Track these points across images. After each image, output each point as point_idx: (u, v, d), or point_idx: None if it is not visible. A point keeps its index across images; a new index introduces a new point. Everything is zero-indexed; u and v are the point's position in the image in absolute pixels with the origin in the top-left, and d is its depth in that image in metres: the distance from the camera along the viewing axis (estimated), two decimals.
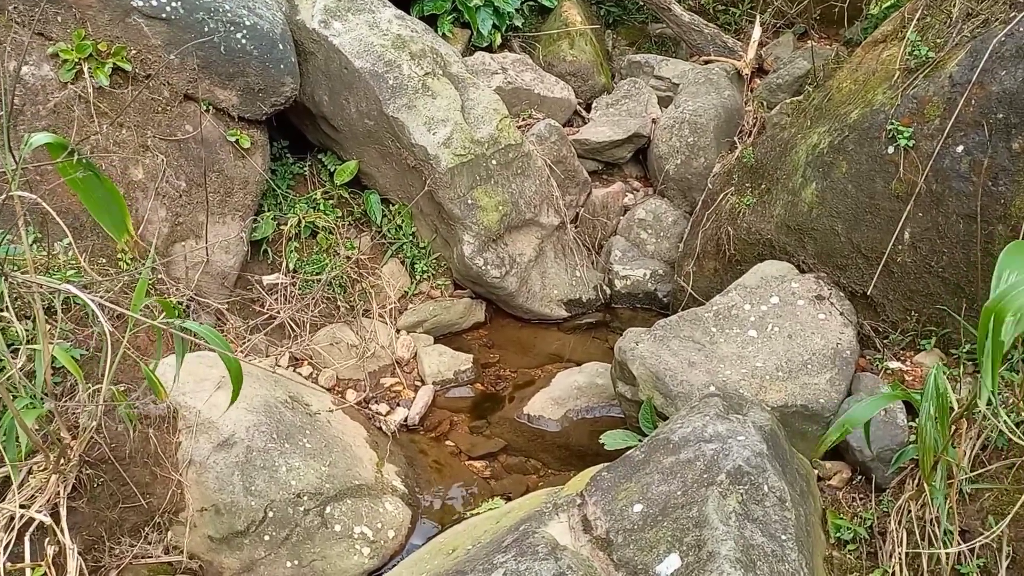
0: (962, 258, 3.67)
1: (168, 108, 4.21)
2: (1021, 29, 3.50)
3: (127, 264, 4.02)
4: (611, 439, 3.81)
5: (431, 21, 5.96)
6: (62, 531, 2.93)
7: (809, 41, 6.41)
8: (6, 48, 3.81)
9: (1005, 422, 2.71)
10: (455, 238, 4.95)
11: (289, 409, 3.82)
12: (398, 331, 4.90)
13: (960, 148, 3.64)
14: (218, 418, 3.52)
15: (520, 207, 5.04)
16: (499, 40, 6.28)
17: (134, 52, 4.09)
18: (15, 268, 2.97)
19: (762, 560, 2.43)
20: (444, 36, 5.90)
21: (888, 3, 5.01)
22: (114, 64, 4.03)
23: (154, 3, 4.06)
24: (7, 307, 2.61)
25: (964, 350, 3.64)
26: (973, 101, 3.59)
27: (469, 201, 4.85)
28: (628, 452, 2.94)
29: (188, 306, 4.18)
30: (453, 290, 5.24)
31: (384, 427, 4.30)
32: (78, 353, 3.31)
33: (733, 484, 2.60)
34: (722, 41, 6.51)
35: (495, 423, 4.47)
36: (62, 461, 3.01)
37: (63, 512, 3.02)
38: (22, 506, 2.82)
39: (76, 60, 3.95)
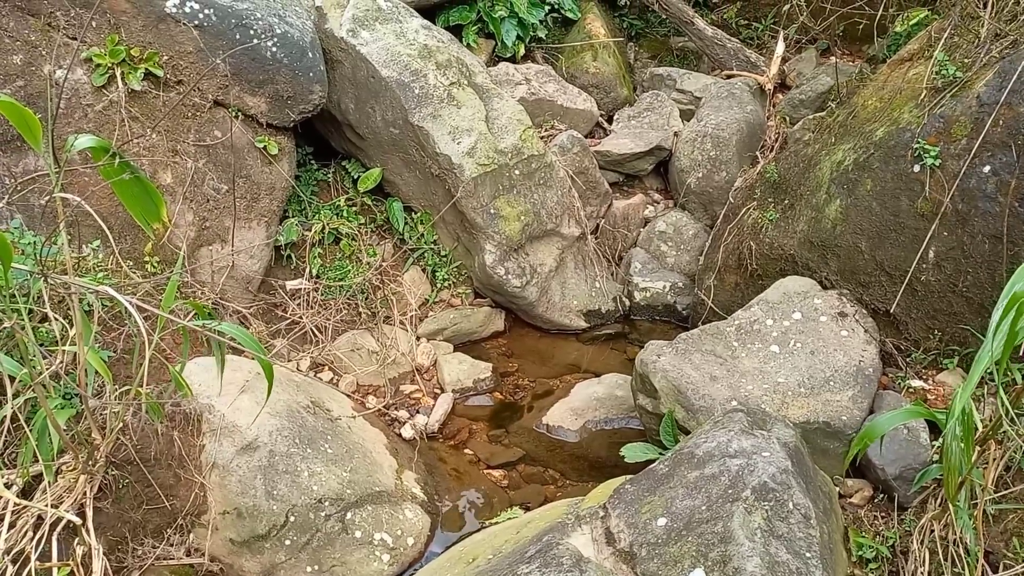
0: (987, 278, 3.67)
1: (198, 114, 4.25)
2: None
3: (154, 267, 4.06)
4: (631, 451, 3.82)
5: (456, 31, 6.00)
6: (88, 531, 2.96)
7: (832, 57, 6.42)
8: (51, 53, 3.87)
9: None
10: (477, 247, 4.98)
11: (311, 414, 3.85)
12: (418, 338, 4.93)
13: (987, 168, 3.64)
14: (242, 422, 3.55)
15: (542, 217, 5.06)
16: (523, 51, 6.32)
17: (166, 58, 4.14)
18: (50, 269, 3.00)
19: None
20: (469, 46, 5.95)
21: (914, 21, 5.02)
22: (146, 69, 4.08)
23: (187, 10, 4.11)
24: (46, 307, 2.65)
25: (988, 369, 3.63)
26: (1001, 122, 3.59)
27: (492, 211, 4.88)
28: (651, 465, 2.95)
29: (213, 310, 4.22)
30: (473, 299, 5.26)
31: (404, 434, 4.32)
32: (106, 355, 3.35)
33: (758, 500, 2.60)
34: (745, 56, 6.52)
35: (514, 432, 4.48)
36: (91, 462, 3.04)
37: (89, 512, 3.05)
38: (52, 505, 2.85)
39: (109, 65, 4.01)
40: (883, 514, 3.35)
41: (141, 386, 3.05)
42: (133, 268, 4.00)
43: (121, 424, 3.18)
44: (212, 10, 4.16)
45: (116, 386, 3.22)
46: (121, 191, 2.22)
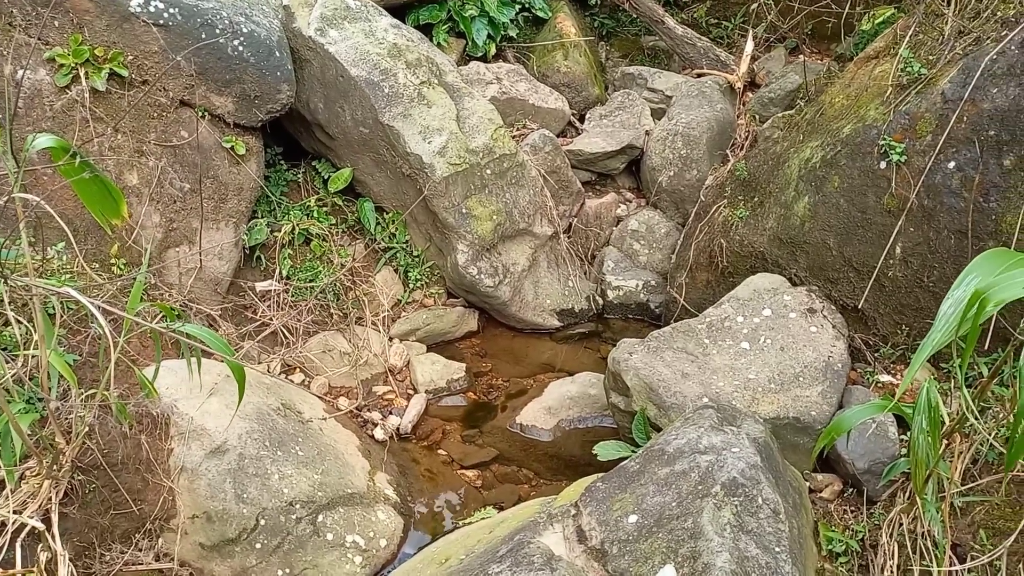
0: (953, 273, 3.70)
1: (164, 114, 4.20)
2: (1012, 48, 3.55)
3: (120, 269, 4.01)
4: (604, 449, 3.82)
5: (426, 30, 5.98)
6: (53, 537, 2.91)
7: (801, 56, 6.47)
8: (9, 53, 3.81)
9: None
10: (449, 247, 4.96)
11: (282, 416, 3.81)
12: (391, 339, 4.90)
13: (952, 164, 3.68)
14: (211, 425, 3.51)
15: (514, 217, 5.06)
16: (494, 50, 6.31)
17: (131, 58, 4.08)
18: (12, 271, 2.95)
19: (756, 572, 2.44)
20: (439, 45, 5.93)
21: (880, 19, 5.07)
22: (111, 69, 4.02)
23: (152, 9, 4.06)
24: (6, 310, 2.60)
25: (955, 364, 3.67)
26: (965, 118, 3.64)
27: (463, 210, 4.86)
28: (623, 463, 2.95)
29: (181, 312, 4.17)
30: (446, 299, 5.24)
31: (377, 435, 4.30)
32: (71, 358, 3.29)
33: (728, 496, 2.61)
34: (715, 54, 6.56)
35: (487, 432, 4.47)
36: (55, 466, 2.99)
37: (55, 518, 3.00)
38: (15, 511, 2.80)
39: (73, 65, 3.95)
40: (852, 508, 3.38)
41: (107, 389, 3.01)
42: (99, 270, 3.95)
43: (87, 428, 3.14)
44: (177, 9, 4.11)
45: (82, 390, 3.17)
46: (81, 190, 2.19)
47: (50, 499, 3.01)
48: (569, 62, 6.47)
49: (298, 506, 3.52)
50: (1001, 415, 3.10)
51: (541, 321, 5.26)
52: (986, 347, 3.45)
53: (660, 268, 5.50)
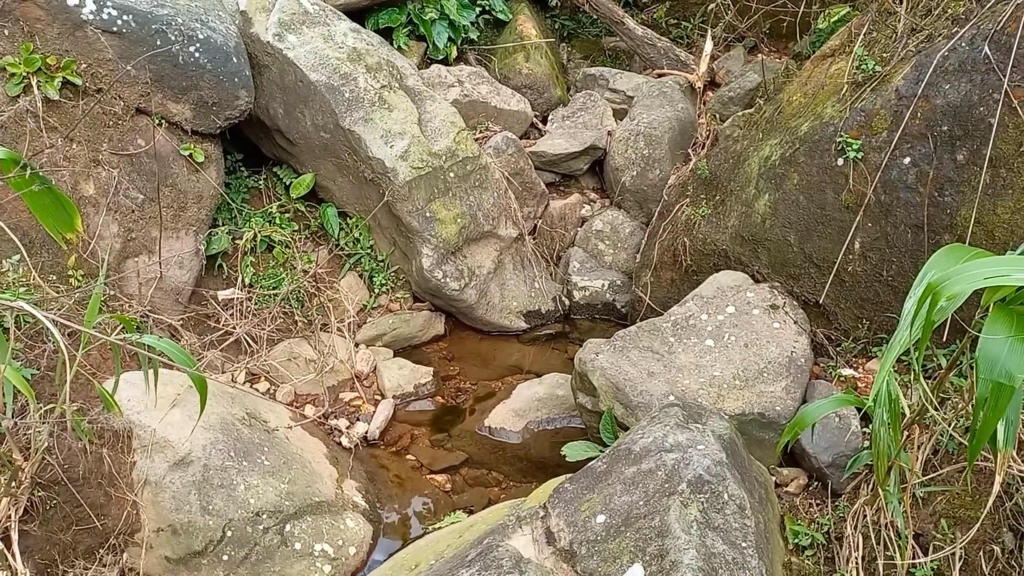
0: (910, 267, 3.77)
1: (120, 122, 4.14)
2: (963, 44, 3.62)
3: (78, 281, 3.94)
4: (572, 450, 3.83)
5: (386, 34, 5.95)
6: (14, 555, 2.86)
7: (759, 55, 6.54)
8: None
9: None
10: (414, 251, 4.94)
11: (247, 426, 3.77)
12: (357, 345, 4.87)
13: (907, 160, 3.74)
14: (174, 436, 3.46)
15: (478, 219, 5.05)
16: (455, 53, 6.30)
17: (84, 66, 4.02)
18: None
19: (723, 568, 2.46)
20: (400, 49, 5.91)
21: (835, 18, 5.15)
22: (64, 78, 3.96)
23: (104, 16, 4.00)
24: None
25: (914, 356, 3.72)
26: (919, 114, 3.70)
27: (427, 214, 4.85)
28: (590, 463, 2.96)
29: (142, 322, 4.11)
30: (412, 303, 5.22)
31: (344, 442, 4.27)
32: (29, 373, 3.24)
33: (694, 493, 2.63)
34: (675, 55, 6.60)
35: (456, 436, 4.46)
36: (14, 483, 2.93)
37: (15, 536, 2.95)
38: None
39: (24, 74, 3.88)
40: (818, 501, 3.41)
41: (65, 404, 2.95)
42: (57, 282, 3.88)
43: (46, 444, 3.08)
44: (131, 16, 4.06)
45: (40, 404, 3.12)
46: (33, 203, 2.14)
47: (10, 517, 2.95)
48: (531, 64, 6.48)
49: (265, 516, 3.49)
50: (960, 405, 3.16)
51: (508, 323, 5.26)
52: (944, 339, 3.50)
53: (625, 268, 5.52)
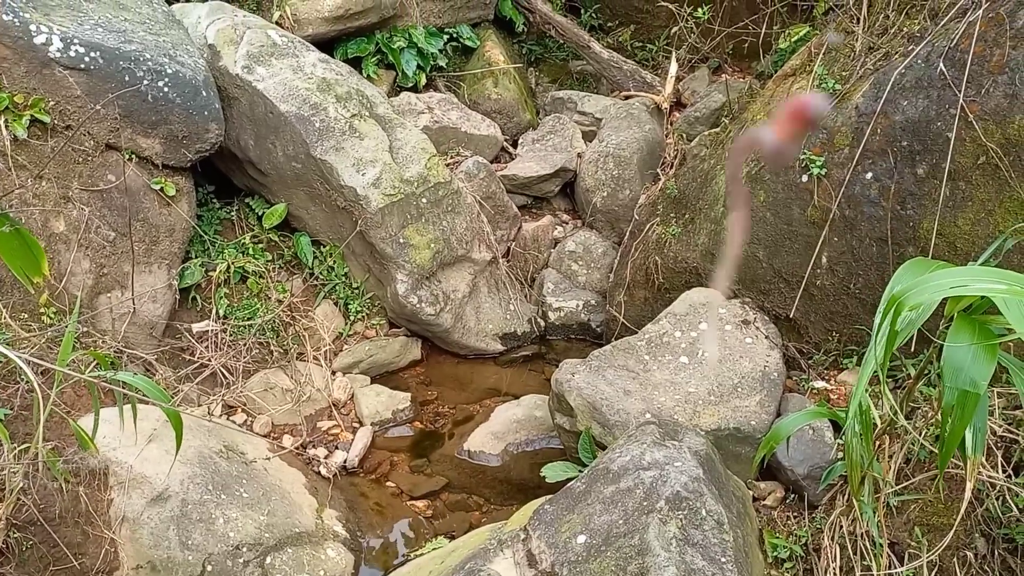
0: (877, 279, 3.84)
1: (89, 158, 4.14)
2: (919, 62, 3.72)
3: (51, 318, 3.92)
4: (552, 471, 3.85)
5: (355, 64, 5.99)
6: None
7: (723, 75, 6.65)
8: None
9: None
10: (388, 277, 4.96)
11: (224, 459, 3.76)
12: (334, 373, 4.87)
13: (869, 175, 3.83)
14: (151, 472, 3.44)
15: (452, 244, 5.09)
16: (424, 80, 6.35)
17: (53, 103, 4.01)
18: None
19: None
20: (369, 78, 5.95)
21: (796, 37, 5.26)
22: (32, 116, 3.95)
23: (72, 54, 4.01)
24: None
25: (879, 366, 3.79)
26: (879, 130, 3.79)
27: (401, 240, 4.87)
28: (569, 484, 2.98)
29: (116, 359, 4.09)
30: (388, 329, 5.23)
31: (323, 471, 4.26)
32: (2, 413, 3.21)
33: (672, 510, 2.66)
34: (641, 77, 6.70)
35: (436, 461, 4.46)
36: None
37: None
38: None
39: None
40: (795, 514, 3.45)
41: (40, 444, 2.93)
42: (28, 320, 3.86)
43: (20, 484, 3.05)
44: (98, 53, 4.06)
45: (15, 444, 3.09)
46: (0, 245, 2.14)
47: None
48: (499, 89, 6.55)
49: (245, 549, 3.47)
50: (930, 414, 3.22)
51: (484, 346, 5.28)
52: (912, 349, 3.57)
53: (599, 287, 5.57)
